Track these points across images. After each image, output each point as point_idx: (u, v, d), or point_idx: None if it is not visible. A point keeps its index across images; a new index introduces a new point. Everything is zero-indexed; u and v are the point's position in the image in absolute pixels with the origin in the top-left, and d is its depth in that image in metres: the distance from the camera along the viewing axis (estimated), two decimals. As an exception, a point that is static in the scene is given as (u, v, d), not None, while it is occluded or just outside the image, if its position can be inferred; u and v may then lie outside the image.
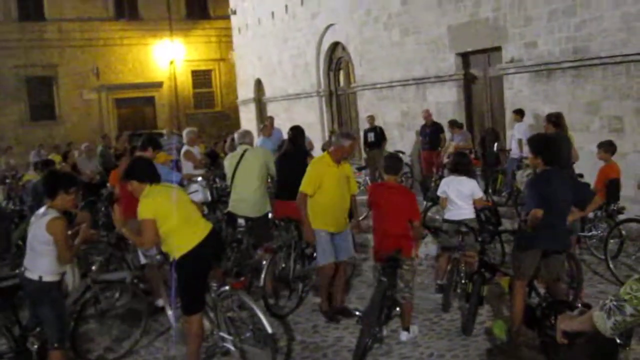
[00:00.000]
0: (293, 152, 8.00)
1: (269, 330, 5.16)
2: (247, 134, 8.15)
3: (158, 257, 6.37)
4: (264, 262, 7.02)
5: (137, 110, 30.90)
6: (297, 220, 7.10)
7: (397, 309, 6.12)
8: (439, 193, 7.31)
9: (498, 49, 13.15)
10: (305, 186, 6.57)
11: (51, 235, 5.04)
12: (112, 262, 8.37)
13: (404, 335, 6.17)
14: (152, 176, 5.43)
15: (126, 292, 7.06)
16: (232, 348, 5.60)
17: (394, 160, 6.31)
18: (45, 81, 29.37)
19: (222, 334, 5.65)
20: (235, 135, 8.15)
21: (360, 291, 7.82)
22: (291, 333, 6.56)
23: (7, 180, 15.63)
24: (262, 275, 6.89)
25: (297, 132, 8.06)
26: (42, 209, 5.25)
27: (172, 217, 5.22)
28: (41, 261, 5.12)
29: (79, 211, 9.56)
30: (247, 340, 5.56)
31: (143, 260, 7.19)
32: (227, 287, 5.51)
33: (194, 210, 5.55)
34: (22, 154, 23.02)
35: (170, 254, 5.38)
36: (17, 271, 5.69)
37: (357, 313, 5.74)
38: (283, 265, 7.32)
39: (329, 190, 6.51)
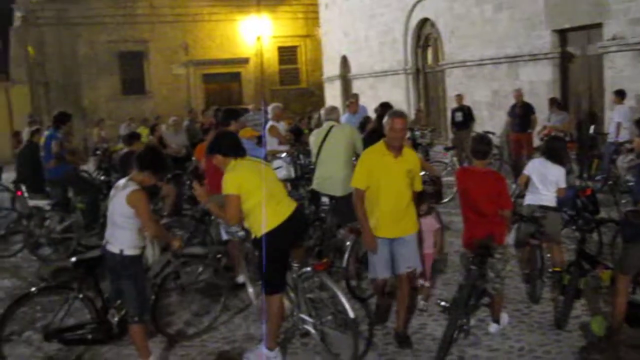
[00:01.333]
0: (382, 130, 7.70)
1: (351, 314, 4.95)
2: (334, 110, 7.93)
3: (240, 233, 6.27)
4: (348, 243, 6.80)
5: (224, 85, 31.20)
6: None
7: (486, 297, 5.79)
8: (524, 171, 6.89)
9: (598, 25, 12.40)
10: (354, 179, 5.60)
11: (132, 207, 4.98)
12: (196, 236, 8.39)
13: (493, 327, 5.85)
14: (237, 150, 5.30)
15: (207, 267, 7.01)
16: (312, 330, 5.44)
17: (483, 144, 5.80)
18: (136, 56, 30.00)
19: (302, 315, 5.49)
20: (322, 111, 7.96)
21: (446, 276, 7.52)
22: (373, 317, 6.33)
23: (98, 152, 16.09)
24: (345, 256, 6.69)
25: (385, 108, 7.76)
26: (121, 181, 5.20)
27: (257, 193, 5.07)
28: (122, 234, 5.08)
29: (165, 184, 9.70)
30: (327, 323, 5.39)
31: (225, 237, 7.12)
32: (309, 268, 5.33)
33: (279, 187, 5.40)
34: (113, 127, 23.69)
35: (253, 231, 5.25)
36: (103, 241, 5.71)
37: (443, 304, 5.44)
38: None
39: (383, 185, 5.44)
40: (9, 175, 13.14)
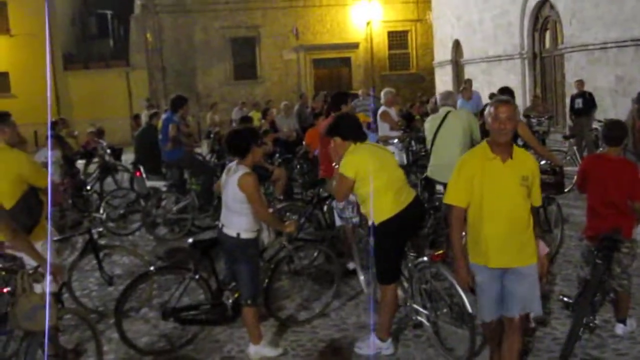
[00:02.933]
0: None
1: (469, 309, 4.73)
2: (450, 95, 7.65)
3: (354, 219, 6.17)
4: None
5: (334, 70, 31.22)
6: None
7: (611, 294, 5.40)
8: None
9: None
10: (449, 194, 4.32)
11: (243, 192, 4.97)
12: (310, 221, 8.38)
13: (619, 328, 5.44)
14: (357, 134, 5.20)
15: (321, 253, 6.96)
16: (426, 322, 5.27)
17: (617, 129, 5.37)
18: (249, 42, 30.54)
19: (416, 306, 5.33)
20: (438, 97, 7.69)
21: (567, 272, 7.12)
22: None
23: (211, 135, 16.49)
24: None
25: (509, 94, 7.35)
26: (232, 164, 5.20)
27: (376, 179, 4.94)
28: (238, 219, 5.09)
29: (276, 167, 9.77)
30: (443, 316, 5.20)
31: (338, 222, 7.05)
32: (425, 258, 5.15)
33: (399, 174, 5.24)
34: (226, 111, 24.26)
35: (369, 218, 5.12)
36: (216, 223, 5.77)
37: (566, 299, 5.12)
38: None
39: (489, 200, 4.16)
40: (129, 157, 13.68)
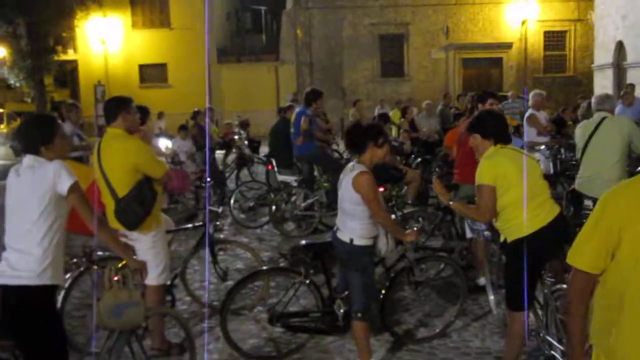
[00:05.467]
0: None
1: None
2: (608, 98, 6.74)
3: (487, 232, 5.55)
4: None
5: (483, 71, 30.01)
6: None
7: None
8: None
9: None
10: (576, 249, 2.55)
11: (358, 192, 4.51)
12: (440, 228, 7.81)
13: None
14: (501, 133, 4.58)
15: (448, 265, 6.36)
16: (560, 358, 4.57)
17: None
18: (397, 39, 30.08)
19: (549, 338, 4.65)
20: (593, 100, 6.79)
21: None
22: None
23: (350, 132, 16.16)
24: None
25: None
26: (350, 164, 4.75)
27: (515, 189, 4.30)
28: (352, 223, 4.64)
29: (409, 169, 9.25)
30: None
31: (469, 234, 6.43)
32: (564, 286, 4.45)
33: (543, 185, 4.55)
34: (370, 108, 23.96)
35: (503, 233, 4.51)
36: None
37: None
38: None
39: None
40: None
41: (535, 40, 29.99)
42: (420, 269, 5.66)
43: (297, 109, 10.19)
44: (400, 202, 7.80)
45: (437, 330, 5.68)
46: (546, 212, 4.38)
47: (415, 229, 5.04)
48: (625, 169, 6.53)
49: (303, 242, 5.35)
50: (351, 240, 4.65)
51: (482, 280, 6.39)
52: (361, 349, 4.84)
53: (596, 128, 6.43)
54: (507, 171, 4.33)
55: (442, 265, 6.68)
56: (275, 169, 10.29)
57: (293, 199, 9.73)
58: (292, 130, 9.80)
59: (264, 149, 14.45)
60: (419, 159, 12.24)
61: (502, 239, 4.50)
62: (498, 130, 4.55)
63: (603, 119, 6.45)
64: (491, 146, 4.50)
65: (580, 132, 6.65)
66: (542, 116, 10.24)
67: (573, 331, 2.61)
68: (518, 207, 4.28)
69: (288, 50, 30.42)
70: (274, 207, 9.57)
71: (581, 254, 2.52)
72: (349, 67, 29.86)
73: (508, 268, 4.41)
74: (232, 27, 36.33)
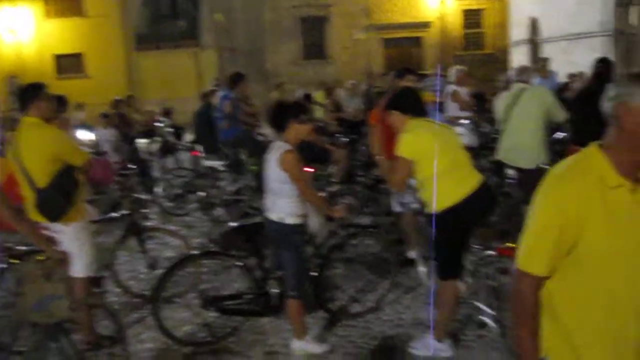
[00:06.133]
0: (598, 90, 6.39)
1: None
2: (526, 70, 6.93)
3: (414, 205, 5.62)
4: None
5: (404, 50, 30.33)
6: None
7: None
8: None
9: None
10: (524, 253, 2.28)
11: (284, 171, 4.49)
12: (368, 205, 7.87)
13: None
14: (419, 108, 4.64)
15: (377, 240, 6.43)
16: (491, 323, 4.69)
17: None
18: (319, 21, 30.05)
19: (480, 304, 4.76)
20: (512, 72, 6.95)
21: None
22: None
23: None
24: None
25: (606, 65, 6.47)
26: (276, 143, 4.72)
27: (438, 160, 4.37)
28: (281, 202, 4.61)
29: (337, 148, 9.27)
30: (510, 317, 4.60)
31: (397, 208, 6.50)
32: (492, 252, 4.56)
33: (464, 156, 4.65)
34: (293, 91, 23.85)
35: (429, 205, 4.57)
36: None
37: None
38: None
39: (614, 265, 2.16)
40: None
41: (455, 18, 30.49)
42: (352, 244, 5.69)
43: (220, 93, 10.03)
44: (327, 181, 7.81)
45: (371, 305, 5.74)
46: (470, 181, 4.46)
47: (344, 205, 5.05)
48: (545, 138, 6.72)
49: (234, 224, 5.29)
50: (281, 219, 4.62)
51: (412, 254, 6.48)
52: (297, 327, 4.85)
53: (516, 99, 6.59)
54: (428, 143, 4.40)
55: (372, 241, 6.74)
56: (202, 154, 10.12)
57: (221, 184, 9.61)
58: (216, 114, 9.65)
59: (189, 137, 14.22)
60: (347, 139, 12.28)
61: (427, 210, 4.56)
62: (415, 106, 4.62)
63: (522, 89, 6.61)
64: (412, 121, 4.55)
65: (500, 104, 6.81)
66: (464, 92, 10.43)
67: (523, 344, 2.31)
68: (441, 178, 4.34)
69: (208, 35, 29.94)
70: (201, 193, 9.45)
71: (534, 257, 2.23)
72: (271, 50, 29.64)
73: (437, 238, 4.47)
74: (150, 13, 35.42)
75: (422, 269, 5.98)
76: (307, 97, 9.82)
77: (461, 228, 4.45)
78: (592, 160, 2.20)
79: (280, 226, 4.63)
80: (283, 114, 4.67)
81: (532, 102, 6.44)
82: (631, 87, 2.14)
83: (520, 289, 2.30)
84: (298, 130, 4.66)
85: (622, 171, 2.16)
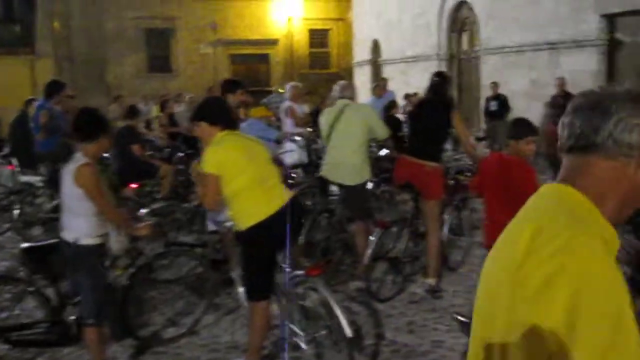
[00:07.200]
0: (434, 102, 6.29)
1: (347, 332, 4.02)
2: (348, 86, 6.90)
3: (229, 223, 5.37)
4: (372, 238, 5.89)
5: (251, 66, 30.28)
6: (418, 187, 5.97)
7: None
8: None
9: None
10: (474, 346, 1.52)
11: (80, 187, 4.09)
12: (194, 223, 7.53)
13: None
14: (226, 119, 4.40)
15: (199, 259, 6.11)
16: (303, 345, 4.53)
17: (520, 125, 4.78)
18: (164, 33, 29.31)
19: (292, 326, 4.58)
20: (336, 88, 6.90)
21: (470, 283, 6.55)
22: (380, 329, 5.39)
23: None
24: (368, 253, 5.80)
25: (441, 79, 6.45)
26: (76, 155, 4.31)
27: (243, 176, 4.17)
28: (76, 221, 4.20)
29: (163, 163, 8.88)
30: (321, 339, 4.47)
31: (211, 227, 6.22)
32: (301, 272, 4.40)
33: (271, 171, 4.46)
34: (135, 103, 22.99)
35: (236, 222, 4.34)
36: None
37: (460, 318, 4.50)
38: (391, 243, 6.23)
39: None
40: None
41: (301, 37, 30.89)
42: (162, 265, 5.35)
43: (36, 103, 9.30)
44: (150, 198, 7.41)
45: (185, 329, 5.41)
46: (276, 197, 4.29)
47: (148, 223, 4.70)
48: (368, 155, 6.73)
49: (25, 244, 4.78)
50: (76, 239, 4.20)
51: (234, 273, 6.23)
52: (95, 356, 4.42)
53: (339, 115, 6.55)
54: (233, 158, 4.20)
55: (195, 261, 6.42)
56: (17, 168, 9.31)
57: (38, 201, 8.89)
58: (32, 125, 8.92)
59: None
60: (182, 154, 11.89)
61: (235, 228, 4.34)
62: (223, 117, 4.39)
63: (345, 106, 6.58)
64: (218, 133, 4.32)
65: (324, 120, 6.74)
66: (300, 108, 10.41)
67: None
68: (247, 194, 4.15)
69: (45, 43, 28.23)
70: (16, 212, 8.68)
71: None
72: (113, 61, 28.47)
73: (243, 258, 4.26)
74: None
75: (240, 289, 5.73)
76: (132, 109, 9.30)
77: (268, 246, 4.26)
78: (591, 215, 1.43)
79: (74, 247, 4.21)
80: (97, 124, 4.28)
81: (354, 119, 6.41)
82: None
83: None
84: (103, 145, 4.31)
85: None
